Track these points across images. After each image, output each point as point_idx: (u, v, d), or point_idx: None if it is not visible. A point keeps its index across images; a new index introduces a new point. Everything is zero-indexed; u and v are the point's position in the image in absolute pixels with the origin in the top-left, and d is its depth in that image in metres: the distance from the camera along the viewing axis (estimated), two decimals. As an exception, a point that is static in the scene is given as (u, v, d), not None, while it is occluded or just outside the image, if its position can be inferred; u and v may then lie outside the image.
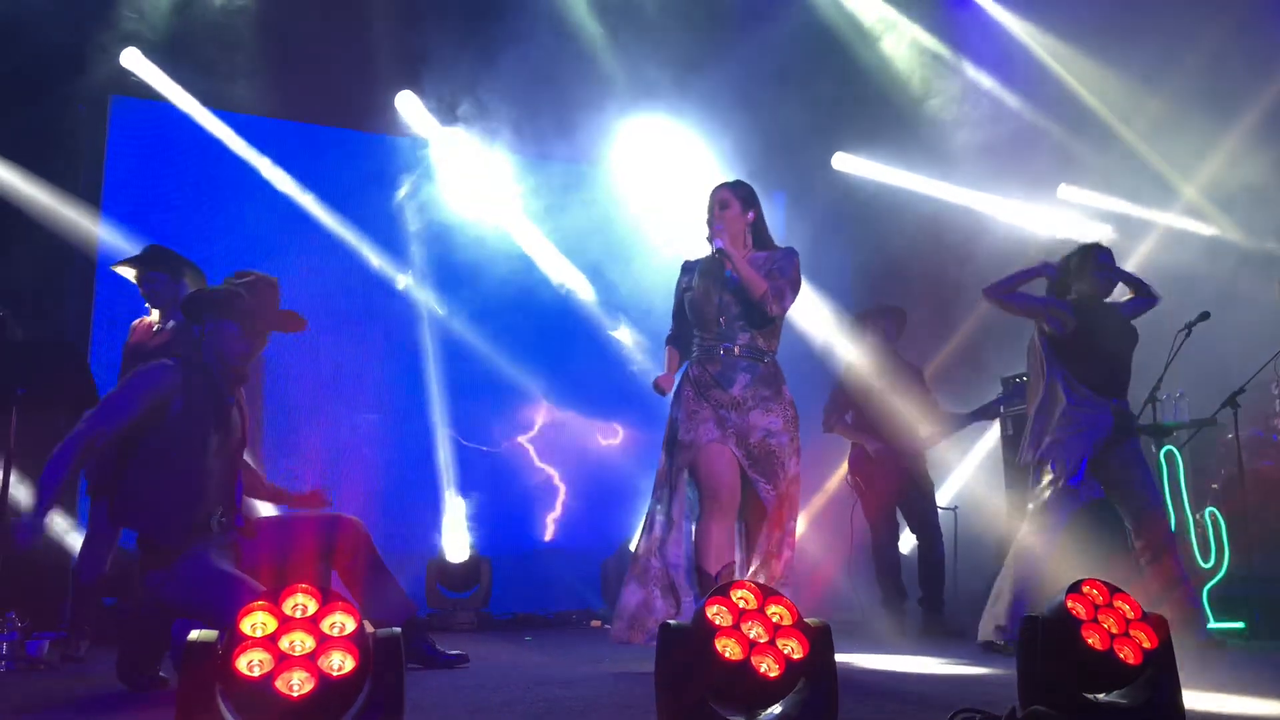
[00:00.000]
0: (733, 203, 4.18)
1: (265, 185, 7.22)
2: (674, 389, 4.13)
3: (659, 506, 4.03)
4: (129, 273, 4.83)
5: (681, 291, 4.25)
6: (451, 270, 7.52)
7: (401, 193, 7.45)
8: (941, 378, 7.35)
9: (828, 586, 6.88)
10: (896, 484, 6.17)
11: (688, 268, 4.29)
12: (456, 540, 6.89)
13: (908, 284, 7.74)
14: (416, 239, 7.50)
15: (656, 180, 7.72)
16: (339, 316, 7.24)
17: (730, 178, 7.05)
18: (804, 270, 7.06)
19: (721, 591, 2.26)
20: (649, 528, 4.02)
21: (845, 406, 6.37)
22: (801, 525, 6.96)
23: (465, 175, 7.56)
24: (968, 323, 7.77)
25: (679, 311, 4.25)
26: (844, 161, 8.57)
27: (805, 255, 7.62)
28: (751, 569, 3.99)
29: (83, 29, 6.50)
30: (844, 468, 6.51)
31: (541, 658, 4.58)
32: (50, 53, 6.22)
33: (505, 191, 7.60)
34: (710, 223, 4.16)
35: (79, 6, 6.23)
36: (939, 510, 6.42)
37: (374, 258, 7.38)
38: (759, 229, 4.27)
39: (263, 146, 7.23)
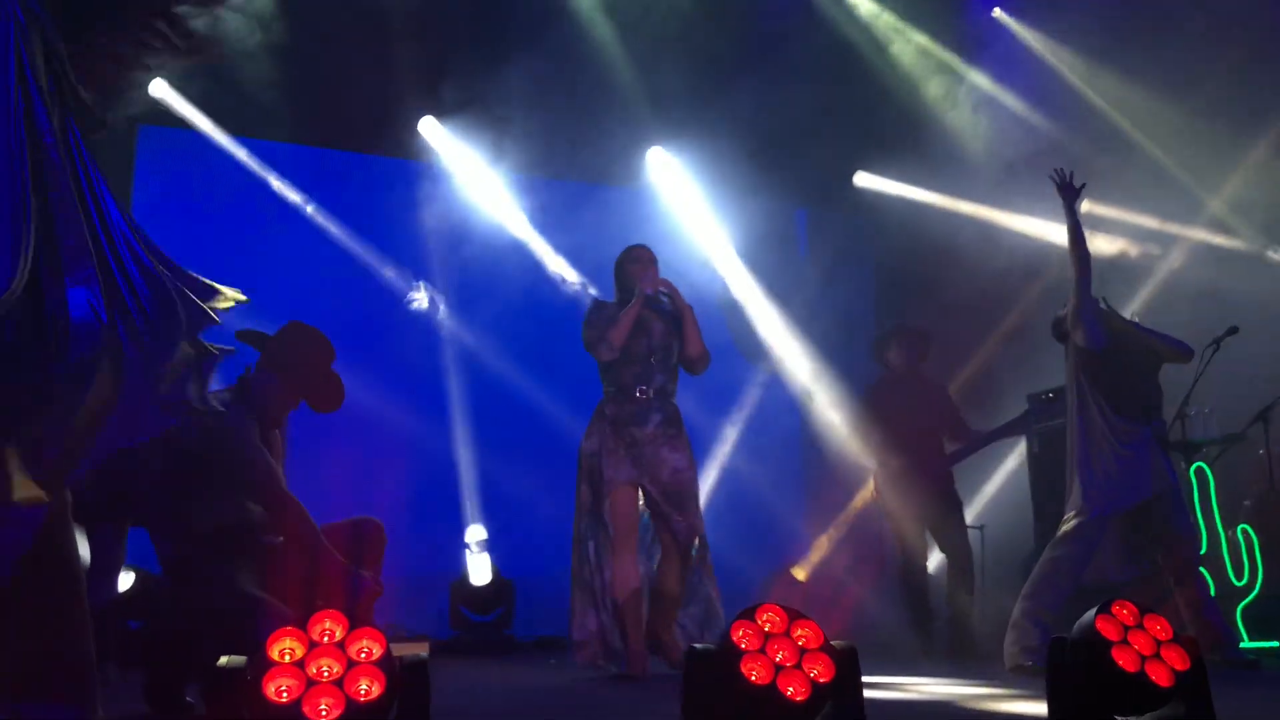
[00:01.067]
0: (657, 261, 4.62)
1: (290, 211, 7.26)
2: (589, 426, 4.51)
3: (589, 533, 4.41)
4: None
5: (608, 320, 4.52)
6: (472, 291, 7.53)
7: (423, 217, 7.45)
8: (967, 394, 7.30)
9: (854, 607, 6.86)
10: (924, 503, 6.08)
11: (605, 306, 4.63)
12: (479, 563, 6.85)
13: (931, 301, 7.68)
14: (438, 262, 7.50)
15: (677, 200, 7.78)
16: (361, 339, 7.07)
17: (751, 196, 7.40)
18: (827, 286, 7.38)
19: (748, 615, 2.26)
20: (585, 554, 4.40)
21: (870, 425, 6.35)
22: (827, 545, 7.32)
23: (485, 197, 7.60)
24: (992, 339, 7.72)
25: (603, 324, 4.54)
26: (865, 180, 8.50)
27: (827, 273, 7.77)
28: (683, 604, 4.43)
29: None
30: (869, 487, 6.47)
31: (565, 680, 4.57)
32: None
33: (524, 212, 7.64)
34: (641, 275, 4.54)
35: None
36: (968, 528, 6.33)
37: (396, 281, 7.40)
38: None
39: (288, 173, 7.28)
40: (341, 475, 6.83)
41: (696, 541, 4.47)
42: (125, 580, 4.93)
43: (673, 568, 4.44)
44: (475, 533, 6.88)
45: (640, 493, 4.44)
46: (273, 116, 6.72)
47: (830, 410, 7.34)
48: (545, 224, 7.67)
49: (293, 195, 7.26)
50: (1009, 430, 6.42)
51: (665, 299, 4.56)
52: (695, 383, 6.28)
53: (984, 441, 6.37)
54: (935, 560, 6.53)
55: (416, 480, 7.03)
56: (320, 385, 3.62)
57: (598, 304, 4.64)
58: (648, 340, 4.50)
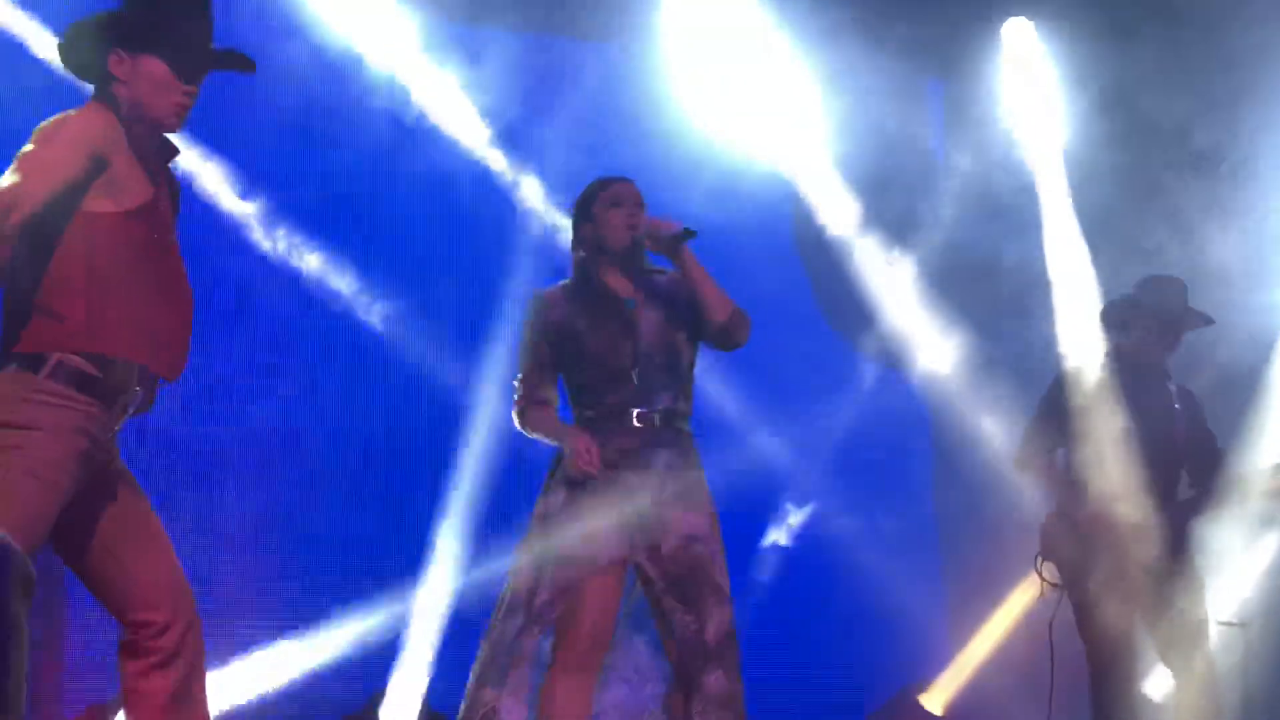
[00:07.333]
0: (643, 204, 3.83)
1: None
2: (548, 475, 3.73)
3: (508, 634, 3.59)
4: None
5: (550, 332, 3.78)
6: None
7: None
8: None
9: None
10: (1138, 582, 4.61)
11: (551, 301, 3.83)
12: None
13: (1135, 227, 5.97)
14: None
15: (723, 66, 6.02)
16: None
17: (849, 57, 6.08)
18: (978, 209, 6.31)
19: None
20: (493, 666, 3.53)
21: (1056, 437, 4.80)
22: (978, 657, 6.11)
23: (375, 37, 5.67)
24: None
25: (540, 361, 3.77)
26: (1022, 30, 6.66)
27: (979, 186, 6.54)
28: None
29: None
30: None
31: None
32: None
33: (455, 70, 5.76)
34: (625, 224, 3.72)
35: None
36: (1217, 627, 4.93)
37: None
38: None
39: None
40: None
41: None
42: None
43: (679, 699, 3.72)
44: None
45: (635, 575, 3.73)
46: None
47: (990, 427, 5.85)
48: (495, 92, 5.77)
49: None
50: None
51: (660, 274, 3.88)
52: (755, 380, 5.52)
53: (1234, 492, 4.90)
54: (1161, 684, 4.97)
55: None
56: None
57: (541, 298, 3.80)
58: (632, 342, 3.67)
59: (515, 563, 3.66)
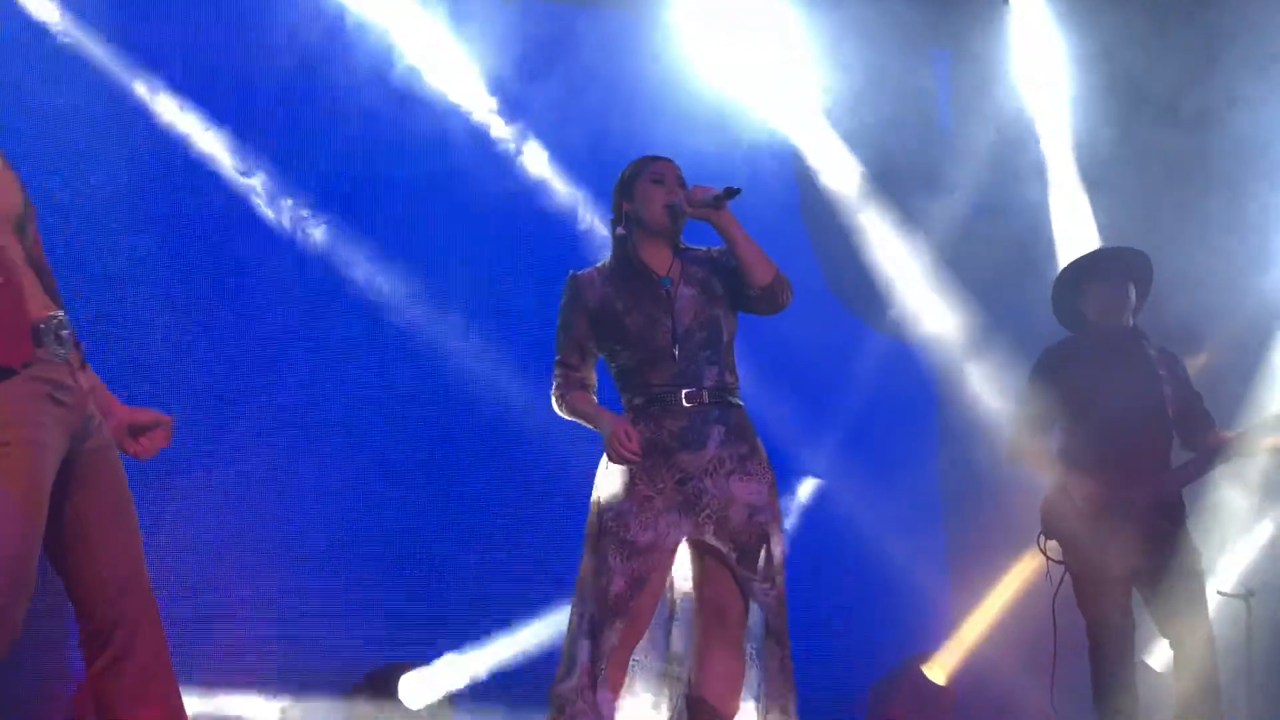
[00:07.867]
0: (685, 183, 3.81)
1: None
2: (604, 462, 3.66)
3: (584, 629, 3.59)
4: None
5: (588, 314, 3.78)
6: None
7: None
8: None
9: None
10: (1132, 554, 4.55)
11: (587, 282, 3.81)
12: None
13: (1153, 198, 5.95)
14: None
15: (726, 33, 5.94)
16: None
17: (854, 29, 6.12)
18: (986, 179, 6.32)
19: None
20: (571, 660, 3.56)
21: (1046, 420, 4.78)
22: (981, 628, 6.09)
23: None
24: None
25: (578, 343, 3.74)
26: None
27: (985, 156, 6.54)
28: (762, 713, 3.58)
29: None
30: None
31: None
32: None
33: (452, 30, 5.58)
34: (665, 200, 3.69)
35: None
36: (1217, 597, 4.99)
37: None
38: None
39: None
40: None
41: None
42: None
43: (728, 665, 3.56)
44: None
45: (692, 556, 3.65)
46: None
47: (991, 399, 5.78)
48: (494, 59, 5.63)
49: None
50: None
51: (697, 250, 3.83)
52: (759, 355, 5.11)
53: (1232, 451, 4.79)
54: (1162, 655, 5.15)
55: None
56: None
57: (576, 281, 3.76)
58: (670, 320, 3.64)
59: (583, 556, 3.65)
